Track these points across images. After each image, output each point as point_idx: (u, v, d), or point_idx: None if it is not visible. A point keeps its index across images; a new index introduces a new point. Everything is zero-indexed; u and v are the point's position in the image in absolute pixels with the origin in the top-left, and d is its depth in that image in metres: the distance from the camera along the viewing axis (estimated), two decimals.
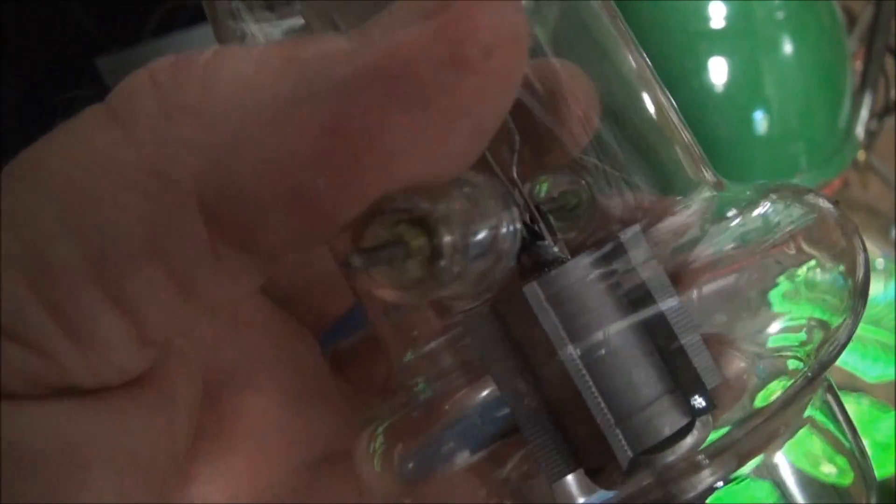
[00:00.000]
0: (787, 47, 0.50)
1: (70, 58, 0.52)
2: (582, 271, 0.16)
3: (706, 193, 0.19)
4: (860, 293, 0.18)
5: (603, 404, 0.15)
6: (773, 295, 0.17)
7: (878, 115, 0.70)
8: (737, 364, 0.17)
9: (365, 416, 0.19)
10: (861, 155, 0.67)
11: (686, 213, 0.18)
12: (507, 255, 0.16)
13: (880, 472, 0.60)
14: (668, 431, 0.15)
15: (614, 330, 0.16)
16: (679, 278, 0.16)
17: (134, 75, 0.15)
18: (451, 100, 0.13)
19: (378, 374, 0.19)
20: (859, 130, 0.67)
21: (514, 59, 0.13)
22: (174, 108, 0.14)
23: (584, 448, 0.15)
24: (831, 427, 0.18)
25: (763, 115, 0.50)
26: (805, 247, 0.17)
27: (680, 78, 0.47)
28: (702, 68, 0.48)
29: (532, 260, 0.17)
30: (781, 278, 0.17)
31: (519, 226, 0.16)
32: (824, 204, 0.19)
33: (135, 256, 0.14)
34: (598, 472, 0.16)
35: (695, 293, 0.16)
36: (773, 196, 0.18)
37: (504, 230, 0.15)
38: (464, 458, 0.16)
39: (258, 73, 0.14)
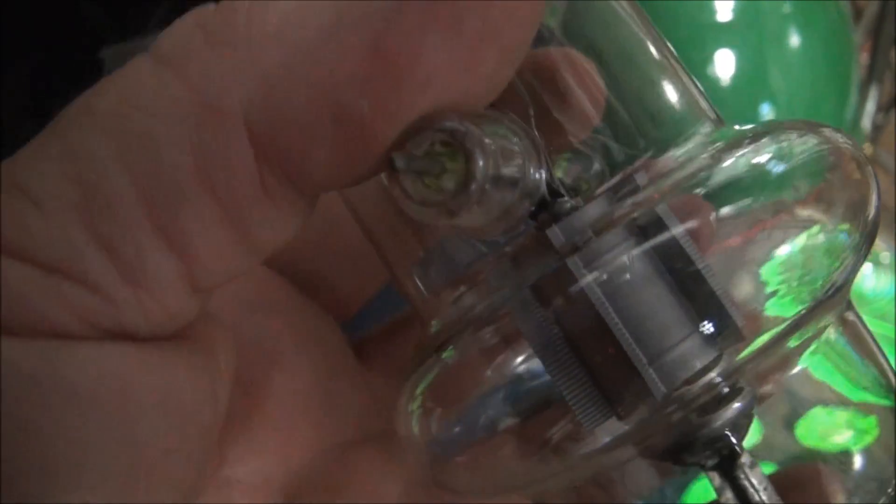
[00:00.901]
0: (794, 40, 0.50)
1: (75, 49, 0.52)
2: (598, 209, 0.17)
3: (708, 128, 0.19)
4: (871, 224, 0.18)
5: (634, 344, 0.15)
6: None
7: (885, 108, 0.70)
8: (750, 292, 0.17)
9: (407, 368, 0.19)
10: (867, 149, 0.67)
11: (689, 146, 0.19)
12: (532, 196, 0.16)
13: None
14: (698, 365, 0.16)
15: (638, 265, 0.16)
16: (694, 208, 0.17)
17: (178, 22, 0.15)
18: (481, 24, 0.14)
19: (403, 363, 0.20)
20: (865, 124, 0.67)
21: None
22: (221, 43, 0.14)
23: (618, 391, 0.16)
24: (850, 354, 0.19)
25: (770, 107, 0.50)
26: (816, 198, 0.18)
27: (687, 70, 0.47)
28: (708, 60, 0.48)
29: (550, 216, 0.17)
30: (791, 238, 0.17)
31: (545, 173, 0.16)
32: (837, 136, 0.19)
33: (186, 189, 0.15)
34: (628, 408, 0.16)
35: (712, 224, 0.17)
36: (785, 127, 0.19)
37: (532, 170, 0.16)
38: (505, 423, 0.17)
39: (301, 5, 0.14)
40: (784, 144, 0.18)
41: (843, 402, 0.20)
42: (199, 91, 0.14)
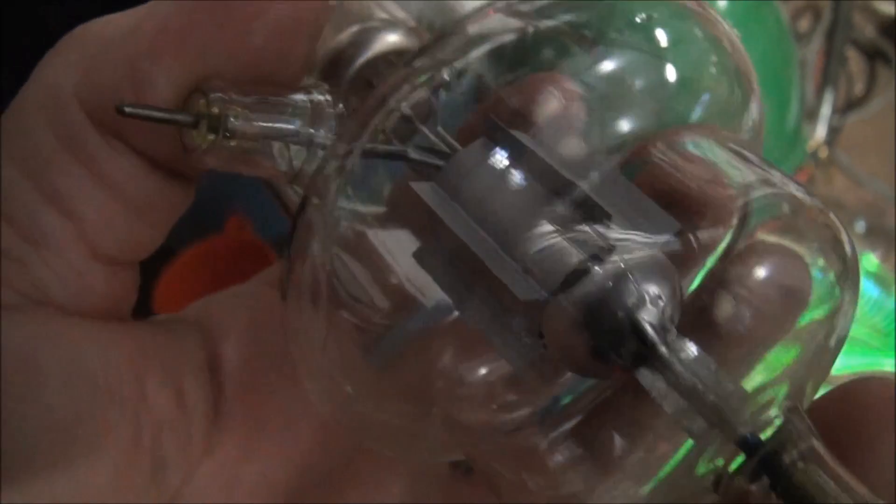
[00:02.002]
0: None
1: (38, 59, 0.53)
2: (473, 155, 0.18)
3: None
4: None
5: (505, 258, 0.16)
6: None
7: (841, 111, 0.71)
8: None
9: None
10: (823, 151, 0.68)
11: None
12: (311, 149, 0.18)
13: None
14: (575, 261, 0.16)
15: (507, 187, 0.17)
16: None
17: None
18: (250, 5, 0.18)
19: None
20: (821, 127, 0.68)
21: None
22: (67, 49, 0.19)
23: (515, 309, 0.16)
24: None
25: None
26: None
27: None
28: None
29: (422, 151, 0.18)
30: None
31: (324, 132, 0.18)
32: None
33: (55, 159, 0.18)
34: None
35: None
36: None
37: (299, 129, 0.18)
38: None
39: (125, 13, 0.19)
40: None
41: None
42: (48, 83, 0.19)
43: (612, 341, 0.16)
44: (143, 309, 0.22)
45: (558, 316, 0.16)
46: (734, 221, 0.17)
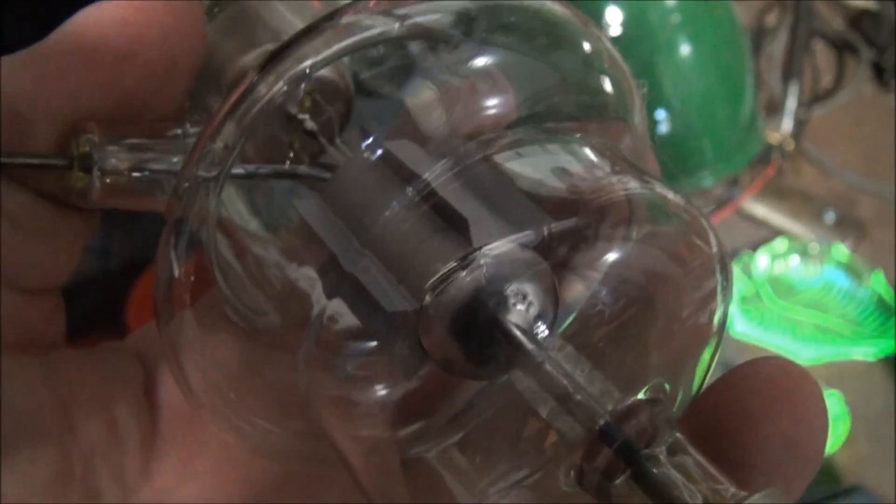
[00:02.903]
0: (684, 49, 0.52)
1: None
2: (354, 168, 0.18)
3: None
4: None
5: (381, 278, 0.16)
6: None
7: (808, 103, 0.72)
8: None
9: None
10: (789, 144, 0.69)
11: None
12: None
13: None
14: (442, 269, 0.16)
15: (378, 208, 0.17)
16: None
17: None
18: (115, 48, 0.19)
19: None
20: (787, 120, 0.69)
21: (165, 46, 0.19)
22: None
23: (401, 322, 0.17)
24: None
25: (665, 115, 0.52)
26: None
27: None
28: None
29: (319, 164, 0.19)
30: None
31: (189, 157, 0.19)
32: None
33: None
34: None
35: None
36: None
37: (164, 166, 0.19)
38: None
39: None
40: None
41: None
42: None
43: (481, 345, 0.16)
44: (117, 322, 0.22)
45: (430, 324, 0.16)
46: (601, 215, 0.17)
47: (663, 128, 0.53)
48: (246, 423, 0.20)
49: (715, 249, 0.18)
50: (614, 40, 0.50)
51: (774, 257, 0.68)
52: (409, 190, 0.17)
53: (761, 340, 0.65)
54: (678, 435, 0.16)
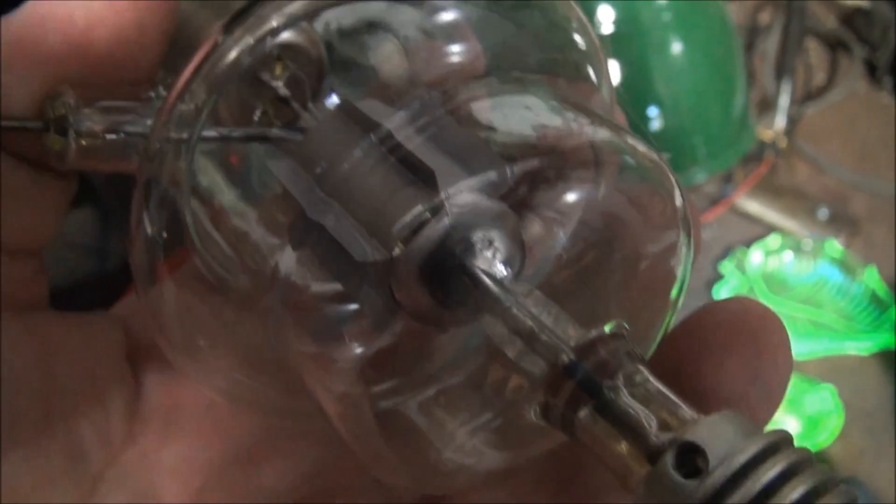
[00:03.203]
0: (676, 47, 0.53)
1: None
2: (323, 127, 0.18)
3: None
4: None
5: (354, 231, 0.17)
6: None
7: (800, 101, 0.72)
8: None
9: None
10: (782, 141, 0.69)
11: None
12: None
13: (810, 446, 0.62)
14: (409, 218, 0.16)
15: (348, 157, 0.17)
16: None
17: None
18: (89, 16, 0.19)
19: None
20: (780, 118, 0.70)
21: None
22: None
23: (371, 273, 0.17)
24: None
25: (657, 112, 0.53)
26: None
27: None
28: None
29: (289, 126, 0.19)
30: None
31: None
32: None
33: None
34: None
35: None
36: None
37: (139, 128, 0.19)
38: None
39: None
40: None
41: None
42: None
43: (450, 292, 0.16)
44: None
45: (399, 272, 0.16)
46: (567, 159, 0.17)
47: (655, 125, 0.53)
48: (225, 380, 0.20)
49: (679, 203, 0.18)
50: (606, 38, 0.51)
51: (768, 253, 0.69)
52: (371, 138, 0.17)
53: None
54: (640, 366, 0.16)
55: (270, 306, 0.18)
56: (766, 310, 0.18)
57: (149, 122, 0.19)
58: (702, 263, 0.67)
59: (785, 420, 0.63)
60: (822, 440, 0.64)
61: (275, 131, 0.19)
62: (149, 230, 0.18)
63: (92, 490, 0.21)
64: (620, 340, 0.16)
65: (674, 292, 0.19)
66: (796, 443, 0.15)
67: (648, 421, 0.15)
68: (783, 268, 0.69)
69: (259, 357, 0.19)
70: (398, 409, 0.18)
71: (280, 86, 0.19)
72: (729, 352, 0.18)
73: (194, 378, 0.20)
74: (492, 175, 0.17)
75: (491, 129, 0.18)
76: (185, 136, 0.18)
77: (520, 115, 0.18)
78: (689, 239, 0.18)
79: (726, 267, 0.68)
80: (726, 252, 0.69)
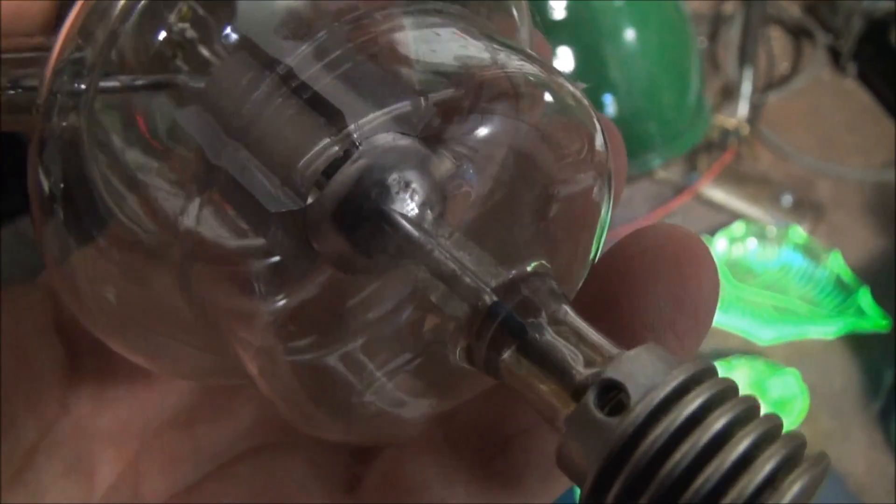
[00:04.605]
0: (629, 33, 0.53)
1: None
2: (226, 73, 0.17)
3: None
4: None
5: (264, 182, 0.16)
6: None
7: (763, 89, 0.73)
8: None
9: None
10: (745, 129, 0.69)
11: None
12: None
13: None
14: (320, 162, 0.16)
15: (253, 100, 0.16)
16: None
17: None
18: None
19: None
20: (743, 105, 0.70)
21: None
22: None
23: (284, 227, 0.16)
24: None
25: (611, 98, 0.53)
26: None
27: None
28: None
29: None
30: None
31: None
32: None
33: None
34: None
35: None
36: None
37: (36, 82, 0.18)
38: None
39: None
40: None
41: None
42: None
43: (369, 238, 0.16)
44: None
45: (312, 221, 0.16)
46: (481, 94, 0.17)
47: (610, 111, 0.54)
48: (146, 343, 0.19)
49: (599, 144, 0.18)
50: (559, 24, 0.51)
51: (732, 241, 0.69)
52: (273, 77, 0.16)
53: (721, 323, 0.66)
54: (563, 305, 0.16)
55: (180, 261, 0.17)
56: (689, 234, 0.18)
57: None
58: None
59: None
60: (788, 424, 0.64)
61: (180, 78, 0.18)
62: (46, 188, 0.17)
63: (27, 463, 0.21)
64: (542, 279, 0.16)
65: (596, 233, 0.18)
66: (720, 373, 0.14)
67: (574, 358, 0.15)
68: (748, 255, 0.69)
69: (176, 316, 0.18)
70: (318, 360, 0.17)
71: (187, 27, 0.18)
72: (654, 279, 0.17)
73: (116, 346, 0.19)
74: (405, 107, 0.16)
75: (411, 61, 0.17)
76: (81, 86, 0.16)
77: (443, 47, 0.17)
78: (609, 181, 0.18)
79: None
80: None
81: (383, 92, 0.16)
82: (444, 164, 0.16)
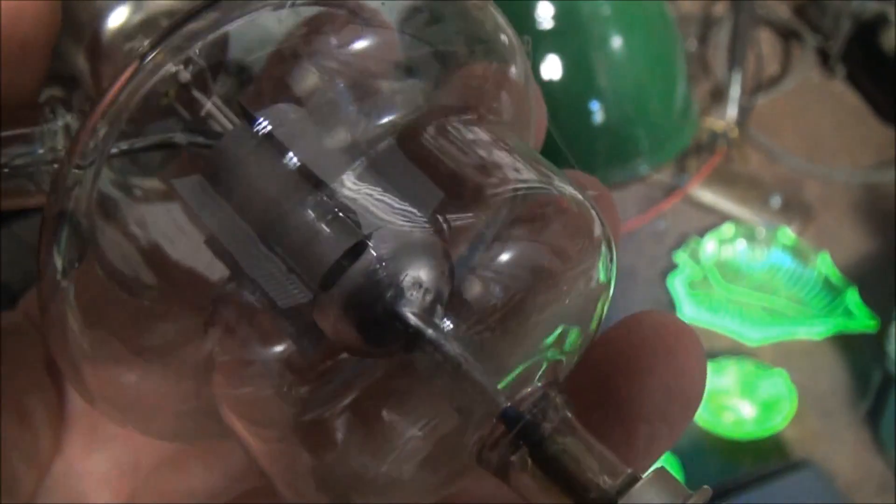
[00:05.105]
0: (616, 41, 0.53)
1: None
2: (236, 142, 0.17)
3: None
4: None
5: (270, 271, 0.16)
6: None
7: (752, 91, 0.73)
8: None
9: None
10: (733, 131, 0.70)
11: None
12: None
13: (764, 430, 0.64)
14: (334, 256, 0.16)
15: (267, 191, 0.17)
16: None
17: None
18: None
19: None
20: (731, 108, 0.70)
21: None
22: None
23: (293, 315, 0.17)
24: None
25: (599, 106, 0.53)
26: None
27: None
28: (536, 67, 0.51)
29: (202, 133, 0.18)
30: None
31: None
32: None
33: None
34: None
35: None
36: None
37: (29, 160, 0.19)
38: None
39: None
40: None
41: None
42: None
43: (380, 332, 0.16)
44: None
45: (326, 314, 0.16)
46: (494, 207, 0.17)
47: (598, 118, 0.54)
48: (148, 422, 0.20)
49: (598, 232, 0.18)
50: (546, 34, 0.51)
51: (722, 242, 0.70)
52: (315, 194, 0.17)
53: (710, 324, 0.67)
54: (568, 415, 0.17)
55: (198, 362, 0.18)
56: (681, 325, 0.19)
57: (40, 150, 0.19)
58: (656, 253, 0.68)
59: (739, 405, 0.64)
60: (776, 424, 0.65)
61: (181, 137, 0.18)
62: (59, 267, 0.17)
63: None
64: (553, 387, 0.17)
65: (599, 305, 0.19)
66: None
67: (581, 473, 0.16)
68: (737, 256, 0.70)
69: (181, 386, 0.19)
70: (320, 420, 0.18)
71: (181, 70, 0.18)
72: (649, 372, 0.18)
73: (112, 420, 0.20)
74: (424, 215, 0.17)
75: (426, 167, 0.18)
76: (89, 162, 0.17)
77: (454, 156, 0.18)
78: (611, 254, 0.18)
79: (680, 256, 0.69)
80: (680, 242, 0.70)
81: (420, 190, 0.17)
82: (475, 288, 0.17)
